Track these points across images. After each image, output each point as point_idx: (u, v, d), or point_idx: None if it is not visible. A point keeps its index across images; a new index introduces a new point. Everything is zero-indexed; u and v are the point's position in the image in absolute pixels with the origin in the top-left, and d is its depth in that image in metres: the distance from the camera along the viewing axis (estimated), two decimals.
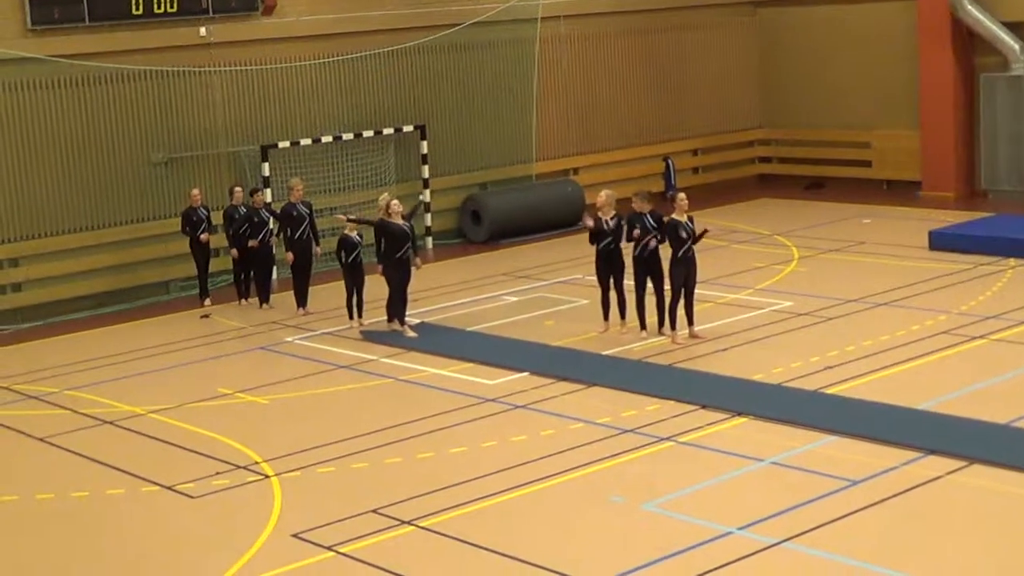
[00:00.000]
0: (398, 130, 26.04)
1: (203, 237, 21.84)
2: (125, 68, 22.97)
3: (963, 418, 14.47)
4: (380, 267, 19.32)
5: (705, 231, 18.38)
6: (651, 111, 30.75)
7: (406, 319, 19.49)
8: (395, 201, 19.44)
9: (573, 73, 29.30)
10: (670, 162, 30.41)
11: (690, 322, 18.37)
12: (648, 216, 18.48)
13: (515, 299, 21.63)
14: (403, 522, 12.55)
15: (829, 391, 15.78)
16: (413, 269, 19.42)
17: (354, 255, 19.94)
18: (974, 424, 14.28)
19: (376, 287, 20.21)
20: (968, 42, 28.96)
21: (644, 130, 30.57)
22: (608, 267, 18.74)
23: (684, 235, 17.99)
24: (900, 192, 29.55)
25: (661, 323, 18.57)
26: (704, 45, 31.79)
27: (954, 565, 11.01)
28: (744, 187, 31.86)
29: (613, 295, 18.85)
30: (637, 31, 30.48)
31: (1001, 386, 15.76)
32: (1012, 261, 22.05)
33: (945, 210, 27.12)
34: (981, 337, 17.74)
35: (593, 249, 18.83)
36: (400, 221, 19.12)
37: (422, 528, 12.40)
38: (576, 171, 29.37)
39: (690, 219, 18.27)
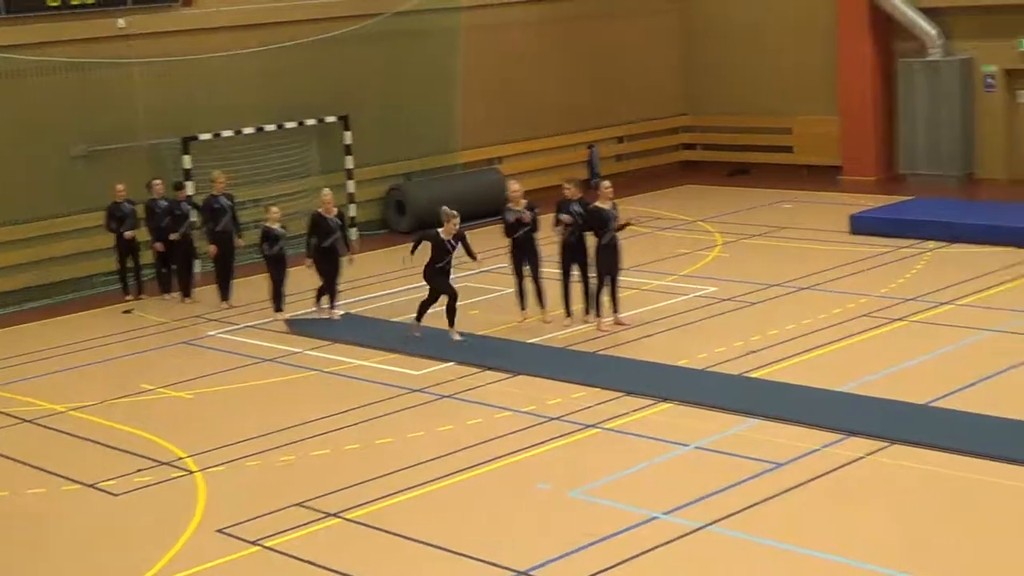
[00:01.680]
0: (321, 121, 25.91)
1: (127, 234, 21.63)
2: (43, 60, 22.68)
3: (884, 399, 14.64)
4: (309, 260, 19.29)
5: (628, 222, 18.47)
6: (575, 99, 30.80)
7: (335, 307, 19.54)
8: (327, 191, 19.51)
9: (497, 62, 29.28)
10: (594, 150, 30.48)
11: (615, 309, 18.44)
12: (576, 203, 18.53)
13: None
14: (329, 515, 12.50)
15: (753, 375, 15.91)
16: (344, 261, 19.44)
17: (277, 247, 19.85)
18: (894, 405, 14.44)
19: (301, 280, 20.14)
20: (886, 28, 29.24)
21: (568, 118, 30.62)
22: (523, 256, 18.78)
23: (608, 222, 18.05)
24: (821, 177, 29.80)
25: (587, 310, 18.63)
26: (628, 33, 31.88)
27: (876, 544, 11.12)
28: (668, 174, 32.01)
29: (530, 284, 18.90)
30: (561, 19, 30.52)
31: (920, 367, 15.96)
32: (931, 244, 22.32)
33: (865, 194, 27.38)
34: (901, 319, 17.95)
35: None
36: (334, 213, 19.20)
37: (349, 520, 12.37)
38: (500, 160, 29.37)
39: (614, 206, 18.34)
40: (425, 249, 18.11)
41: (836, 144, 30.11)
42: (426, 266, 18.14)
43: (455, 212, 18.07)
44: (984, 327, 17.35)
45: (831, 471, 12.76)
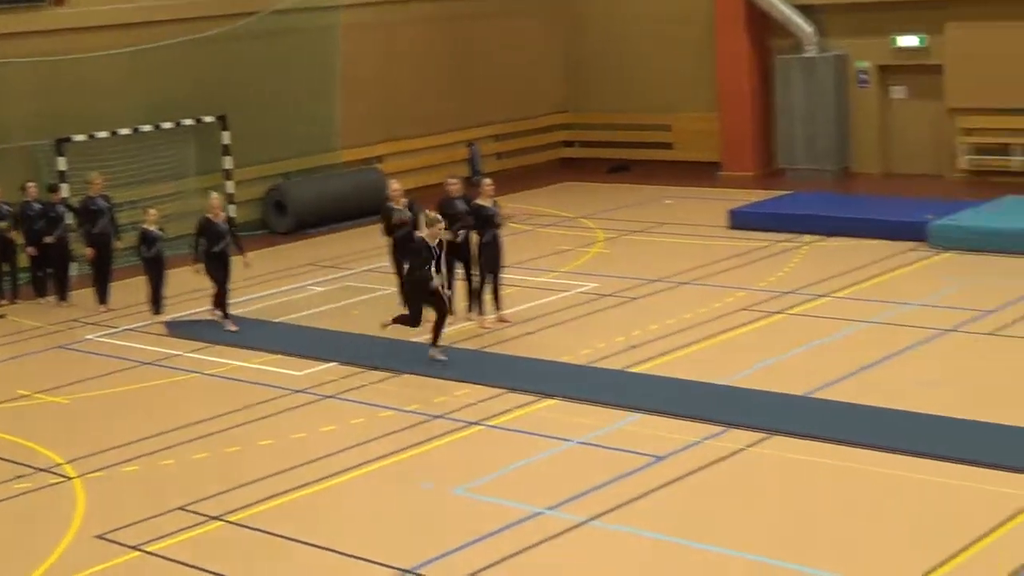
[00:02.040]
0: (199, 121, 25.62)
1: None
2: None
3: (763, 391, 14.83)
4: (200, 264, 18.95)
5: (506, 220, 18.53)
6: (455, 97, 30.80)
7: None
8: (215, 195, 19.29)
9: (377, 60, 29.17)
10: (475, 148, 30.49)
11: (497, 306, 18.46)
12: (461, 200, 18.52)
13: (321, 289, 21.50)
14: (211, 518, 12.37)
15: (634, 370, 16.02)
16: (238, 264, 19.13)
17: (155, 249, 19.61)
18: (773, 397, 14.64)
19: (180, 282, 19.92)
20: (763, 25, 29.61)
21: (448, 117, 30.61)
22: (405, 255, 18.71)
23: (489, 220, 18.08)
24: (701, 173, 30.08)
25: (470, 308, 18.64)
26: (506, 31, 31.94)
27: (757, 535, 11.26)
28: (548, 171, 32.12)
29: None
30: (440, 18, 30.49)
31: (798, 359, 16.18)
32: (808, 237, 22.65)
33: (744, 189, 27.69)
34: (779, 312, 18.18)
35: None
36: (223, 217, 18.93)
37: (231, 523, 12.25)
38: (381, 159, 29.28)
39: (495, 204, 18.37)
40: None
41: (715, 140, 30.44)
42: (406, 276, 17.10)
43: (439, 216, 16.86)
44: (860, 319, 17.64)
45: (712, 463, 12.89)
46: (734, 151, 30.04)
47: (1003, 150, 27.23)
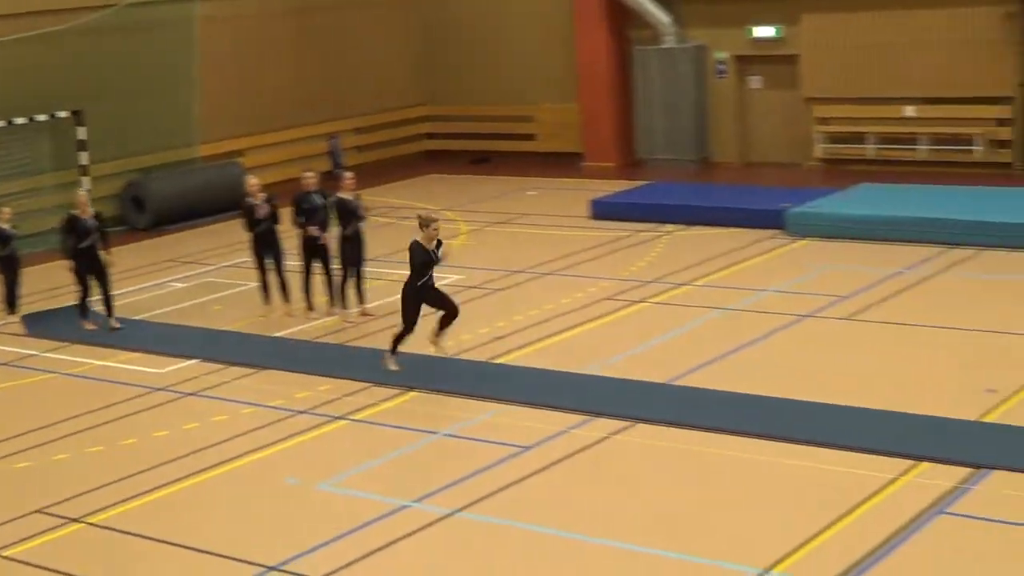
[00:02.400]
0: (53, 116, 25.12)
1: None
2: None
3: (626, 380, 14.97)
4: (71, 263, 18.49)
5: (370, 213, 18.47)
6: (315, 90, 30.59)
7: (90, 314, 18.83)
8: (82, 192, 18.91)
9: (234, 53, 28.86)
10: (335, 141, 30.32)
11: (361, 300, 18.38)
12: (317, 194, 18.39)
13: (182, 285, 21.23)
14: (71, 520, 12.15)
15: (499, 361, 16.06)
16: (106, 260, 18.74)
17: (9, 248, 19.20)
18: (636, 385, 14.77)
19: (35, 280, 19.53)
20: (622, 16, 29.83)
21: (308, 110, 30.40)
22: (265, 250, 18.57)
23: (351, 214, 17.98)
24: (563, 164, 30.24)
25: (332, 302, 18.53)
26: (365, 23, 31.80)
27: (623, 522, 11.34)
28: (411, 164, 32.06)
29: (273, 278, 18.71)
30: (298, 10, 30.28)
31: (660, 347, 16.35)
32: (669, 226, 22.89)
33: (606, 180, 27.89)
34: (641, 301, 18.35)
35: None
36: (91, 213, 18.50)
37: (92, 525, 12.04)
38: (242, 153, 28.97)
39: (357, 197, 18.28)
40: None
41: (577, 131, 30.61)
42: (406, 285, 15.32)
43: (436, 216, 15.47)
44: (720, 306, 17.87)
45: (577, 452, 12.97)
46: (595, 142, 30.24)
47: (858, 138, 27.77)
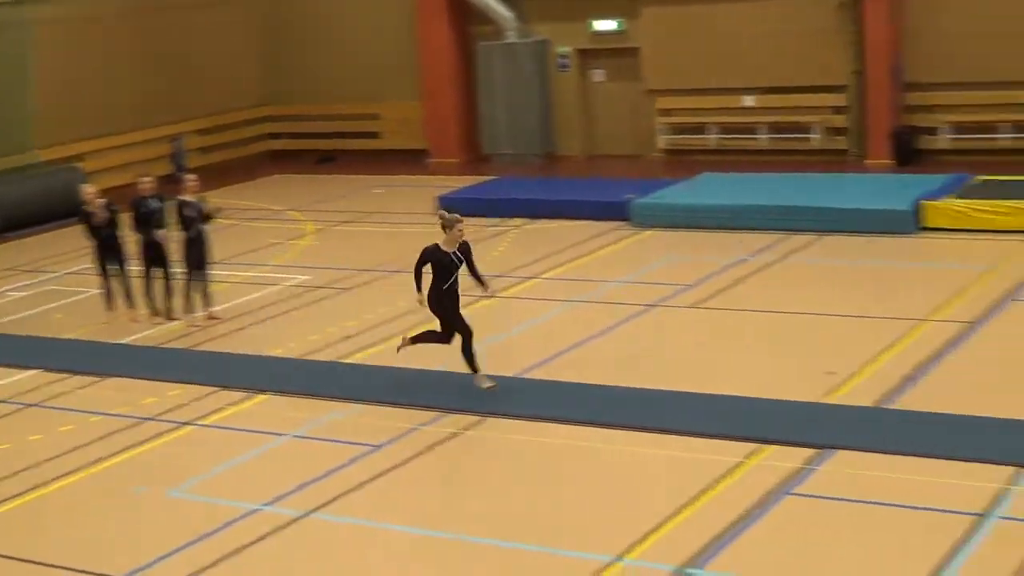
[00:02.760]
0: None
1: None
2: None
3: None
4: None
5: (217, 213, 18.27)
6: (155, 92, 30.17)
7: None
8: None
9: (71, 56, 28.34)
10: (178, 143, 29.94)
11: (206, 303, 18.16)
12: (154, 199, 18.13)
13: (22, 294, 20.77)
14: None
15: (347, 360, 15.99)
16: None
17: None
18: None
19: None
20: (464, 12, 29.88)
21: (149, 112, 29.98)
22: (108, 256, 18.25)
23: (192, 216, 17.75)
24: (409, 161, 30.20)
25: (175, 307, 18.28)
26: (206, 23, 31.47)
27: (478, 517, 11.37)
28: (256, 164, 31.80)
29: (116, 283, 18.40)
30: (136, 11, 29.84)
31: (511, 340, 16.42)
32: (516, 221, 23.00)
33: (452, 176, 27.92)
34: (489, 296, 18.34)
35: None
36: None
37: None
38: (83, 157, 28.44)
39: (201, 199, 18.06)
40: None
41: (422, 128, 30.60)
42: (430, 291, 14.19)
43: (458, 216, 14.22)
44: (568, 299, 18.01)
45: (428, 449, 12.97)
46: (440, 138, 30.26)
47: (699, 129, 28.17)
